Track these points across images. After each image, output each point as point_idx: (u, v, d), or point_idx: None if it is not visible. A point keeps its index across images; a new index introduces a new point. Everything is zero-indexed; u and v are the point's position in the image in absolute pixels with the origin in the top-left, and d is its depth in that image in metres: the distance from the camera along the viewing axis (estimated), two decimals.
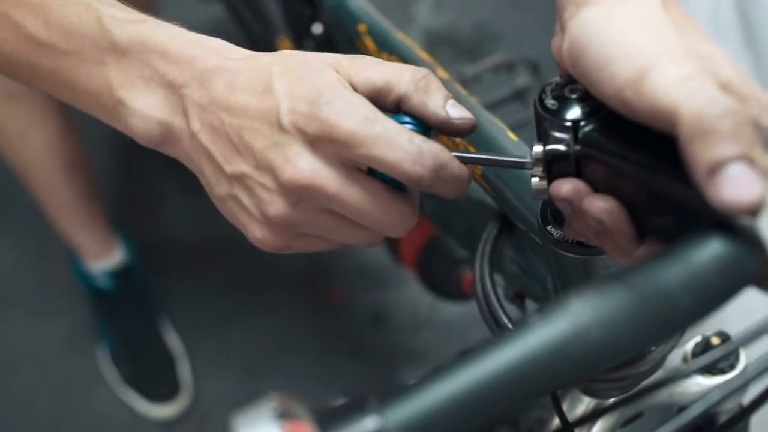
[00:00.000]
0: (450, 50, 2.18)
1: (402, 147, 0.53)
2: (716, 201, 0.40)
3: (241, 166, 0.56)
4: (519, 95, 1.20)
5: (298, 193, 0.54)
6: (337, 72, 0.56)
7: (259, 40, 1.52)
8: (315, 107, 0.53)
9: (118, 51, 0.58)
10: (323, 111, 0.53)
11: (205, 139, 0.56)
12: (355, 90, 0.55)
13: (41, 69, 0.60)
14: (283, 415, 0.38)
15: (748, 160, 0.40)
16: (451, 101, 0.57)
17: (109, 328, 1.77)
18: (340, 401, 0.39)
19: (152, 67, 0.57)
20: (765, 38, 1.49)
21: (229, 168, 0.56)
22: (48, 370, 1.79)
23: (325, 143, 0.53)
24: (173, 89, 0.57)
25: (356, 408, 0.38)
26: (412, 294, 1.78)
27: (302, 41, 1.22)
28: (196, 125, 0.56)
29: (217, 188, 0.58)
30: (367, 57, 0.58)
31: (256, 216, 0.57)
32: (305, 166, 0.53)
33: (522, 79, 1.22)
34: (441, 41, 2.20)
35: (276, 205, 0.55)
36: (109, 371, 1.77)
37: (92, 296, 1.78)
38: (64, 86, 0.60)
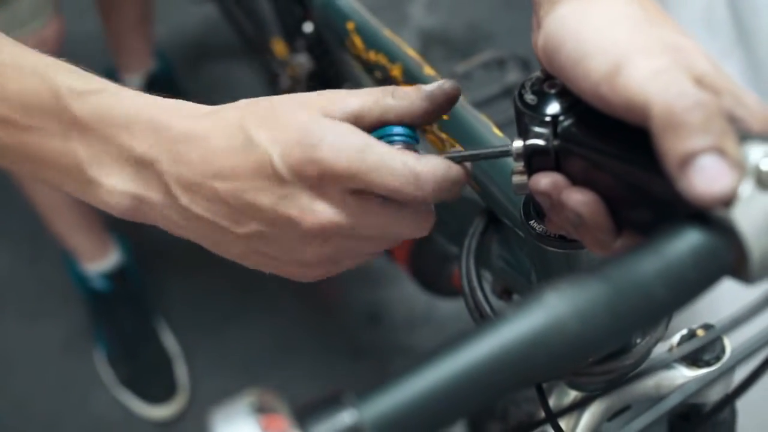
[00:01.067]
0: (444, 50, 2.18)
1: (399, 174, 0.53)
2: (689, 193, 0.40)
3: (255, 226, 0.55)
4: (509, 92, 1.20)
5: (324, 235, 0.55)
6: (309, 106, 0.55)
7: (252, 40, 1.52)
8: (308, 149, 0.52)
9: (81, 126, 0.56)
10: (317, 152, 0.52)
11: (200, 210, 0.55)
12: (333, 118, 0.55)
13: (3, 144, 0.58)
14: (261, 410, 0.38)
15: (719, 151, 0.40)
16: (422, 86, 0.57)
17: (105, 329, 1.78)
18: (317, 395, 0.40)
19: (117, 143, 0.56)
20: (757, 36, 1.50)
21: (242, 230, 0.56)
22: (45, 372, 1.79)
23: (328, 183, 0.53)
24: (144, 164, 0.56)
25: (333, 402, 0.38)
26: (408, 292, 1.79)
27: (294, 40, 1.22)
28: (184, 200, 0.55)
29: (233, 249, 0.58)
30: (333, 90, 0.57)
31: (289, 261, 0.57)
32: (321, 210, 0.54)
33: (512, 75, 1.22)
34: (435, 41, 2.20)
35: (308, 251, 0.56)
36: (105, 373, 1.77)
37: (88, 298, 1.79)
38: (30, 161, 0.59)
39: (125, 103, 0.56)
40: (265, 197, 0.54)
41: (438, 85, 0.57)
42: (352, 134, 0.53)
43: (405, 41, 0.84)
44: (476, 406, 0.39)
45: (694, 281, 0.41)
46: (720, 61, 0.47)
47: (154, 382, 1.75)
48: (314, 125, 0.53)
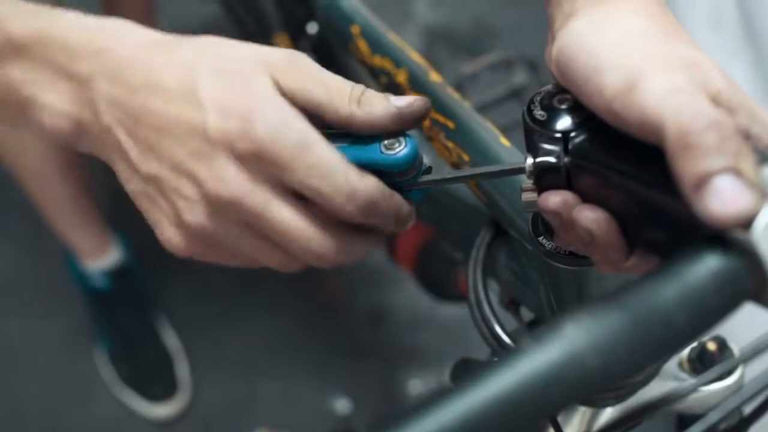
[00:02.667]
0: (448, 47, 2.16)
1: (335, 182, 0.51)
2: (705, 215, 0.39)
3: (157, 169, 0.53)
4: (516, 94, 1.19)
5: (220, 207, 0.52)
6: (273, 77, 0.52)
7: (255, 39, 1.51)
8: (247, 125, 0.50)
9: (17, 47, 0.54)
10: (256, 129, 0.50)
11: (119, 134, 0.53)
12: (293, 100, 0.52)
13: None
14: None
15: (735, 172, 0.39)
16: (392, 97, 0.54)
17: (106, 328, 1.77)
18: (329, 429, 0.38)
19: (55, 61, 0.54)
20: (766, 35, 1.49)
21: (144, 168, 0.53)
22: (46, 371, 1.79)
23: (254, 162, 0.51)
24: (79, 82, 0.54)
25: None
26: (411, 293, 1.77)
27: (298, 40, 1.21)
28: (106, 118, 0.53)
29: (130, 184, 0.55)
30: (309, 62, 0.54)
31: (171, 219, 0.54)
32: (231, 180, 0.51)
33: (519, 77, 1.21)
34: (439, 38, 2.18)
35: (194, 214, 0.53)
36: (106, 371, 1.76)
37: (89, 296, 1.78)
38: None
39: (63, 26, 0.54)
40: (181, 148, 0.51)
41: (408, 102, 0.54)
42: (298, 125, 0.51)
43: (409, 38, 0.82)
44: None
45: (715, 307, 0.40)
46: (728, 60, 0.46)
47: (155, 381, 1.74)
48: (264, 104, 0.51)
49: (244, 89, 0.51)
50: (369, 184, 0.52)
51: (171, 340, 1.79)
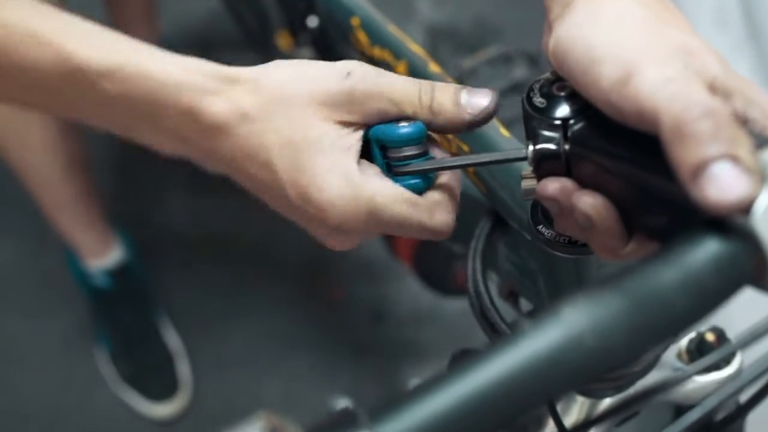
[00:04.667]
0: (452, 44, 2.16)
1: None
2: (704, 202, 0.39)
3: (280, 207, 0.58)
4: (516, 88, 1.18)
5: (340, 229, 0.57)
6: (337, 119, 0.54)
7: (255, 33, 1.50)
8: (321, 211, 0.54)
9: (111, 100, 0.57)
10: (329, 217, 0.54)
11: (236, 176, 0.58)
12: (366, 123, 0.55)
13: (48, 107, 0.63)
14: None
15: (732, 158, 0.39)
16: (464, 95, 0.56)
17: (107, 327, 1.76)
18: (328, 415, 0.38)
19: (152, 121, 0.57)
20: None
21: (269, 202, 0.58)
22: (46, 370, 1.78)
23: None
24: (180, 139, 0.57)
25: (346, 422, 0.37)
26: (413, 289, 1.77)
27: (298, 34, 1.21)
28: (222, 166, 0.58)
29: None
30: (368, 82, 0.55)
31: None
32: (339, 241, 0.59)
33: (519, 71, 1.21)
34: (442, 35, 2.18)
35: (331, 237, 0.59)
36: (108, 370, 1.76)
37: (90, 295, 1.77)
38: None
39: (153, 86, 0.56)
40: (282, 202, 0.57)
41: (482, 109, 0.56)
42: (363, 192, 0.54)
43: (412, 36, 0.82)
44: (494, 425, 0.37)
45: (715, 291, 0.39)
46: (731, 55, 0.46)
47: (157, 380, 1.73)
48: (329, 187, 0.54)
49: (311, 163, 0.54)
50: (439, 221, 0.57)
51: (172, 339, 1.78)
